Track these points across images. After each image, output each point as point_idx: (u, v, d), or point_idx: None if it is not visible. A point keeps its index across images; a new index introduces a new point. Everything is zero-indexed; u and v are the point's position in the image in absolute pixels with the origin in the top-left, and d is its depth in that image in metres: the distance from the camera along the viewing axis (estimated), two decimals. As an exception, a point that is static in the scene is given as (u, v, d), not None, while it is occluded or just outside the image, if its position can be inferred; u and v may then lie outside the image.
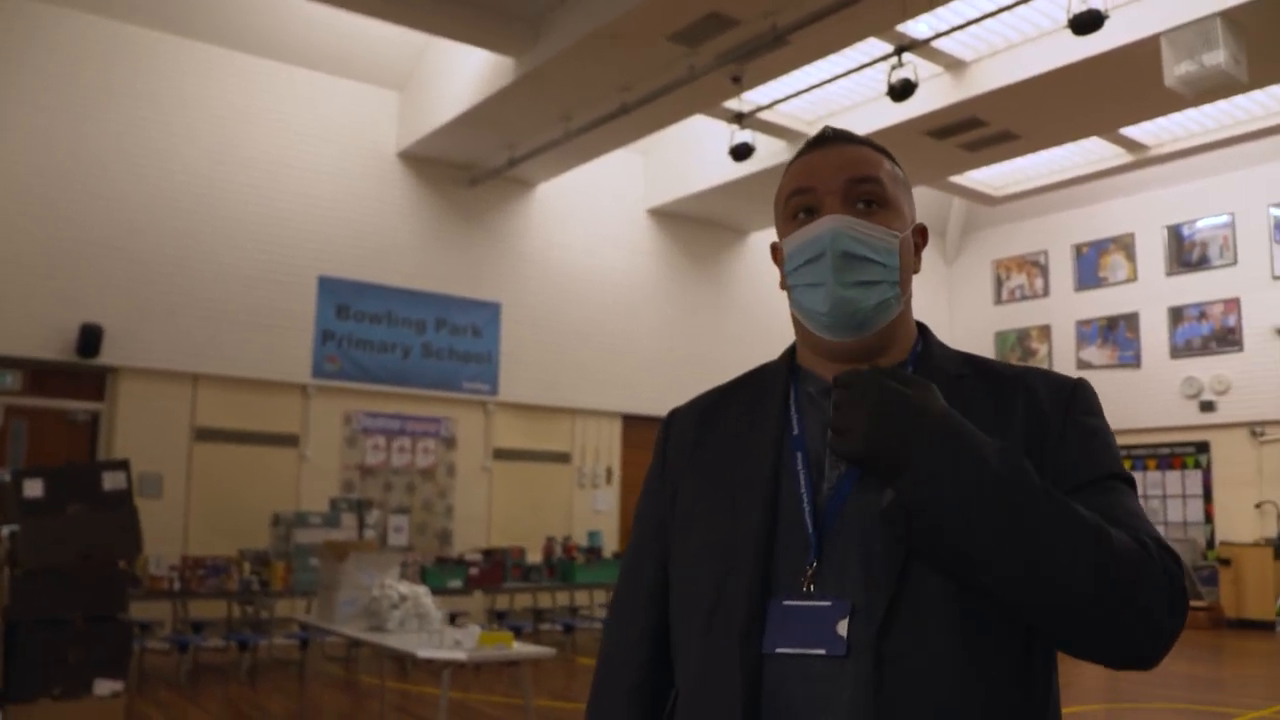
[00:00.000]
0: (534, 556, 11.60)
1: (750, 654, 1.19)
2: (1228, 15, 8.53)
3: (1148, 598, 1.10)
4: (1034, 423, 1.25)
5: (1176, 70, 8.75)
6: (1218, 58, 8.48)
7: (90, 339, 10.08)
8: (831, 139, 1.36)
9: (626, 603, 1.43)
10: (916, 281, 1.40)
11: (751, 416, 1.36)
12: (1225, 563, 13.54)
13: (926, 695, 1.14)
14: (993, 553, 1.09)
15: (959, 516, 1.09)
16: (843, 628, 1.16)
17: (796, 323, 1.36)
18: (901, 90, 8.93)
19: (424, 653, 5.50)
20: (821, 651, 1.16)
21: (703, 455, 1.37)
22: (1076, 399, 1.30)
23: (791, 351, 1.42)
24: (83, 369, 10.34)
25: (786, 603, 1.20)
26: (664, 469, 1.43)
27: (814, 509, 1.24)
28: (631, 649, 1.39)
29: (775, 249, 1.40)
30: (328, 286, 11.69)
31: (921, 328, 1.41)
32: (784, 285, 1.36)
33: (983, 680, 1.15)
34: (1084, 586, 1.08)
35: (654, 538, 1.41)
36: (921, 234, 1.41)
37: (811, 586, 1.20)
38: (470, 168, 12.61)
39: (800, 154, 1.38)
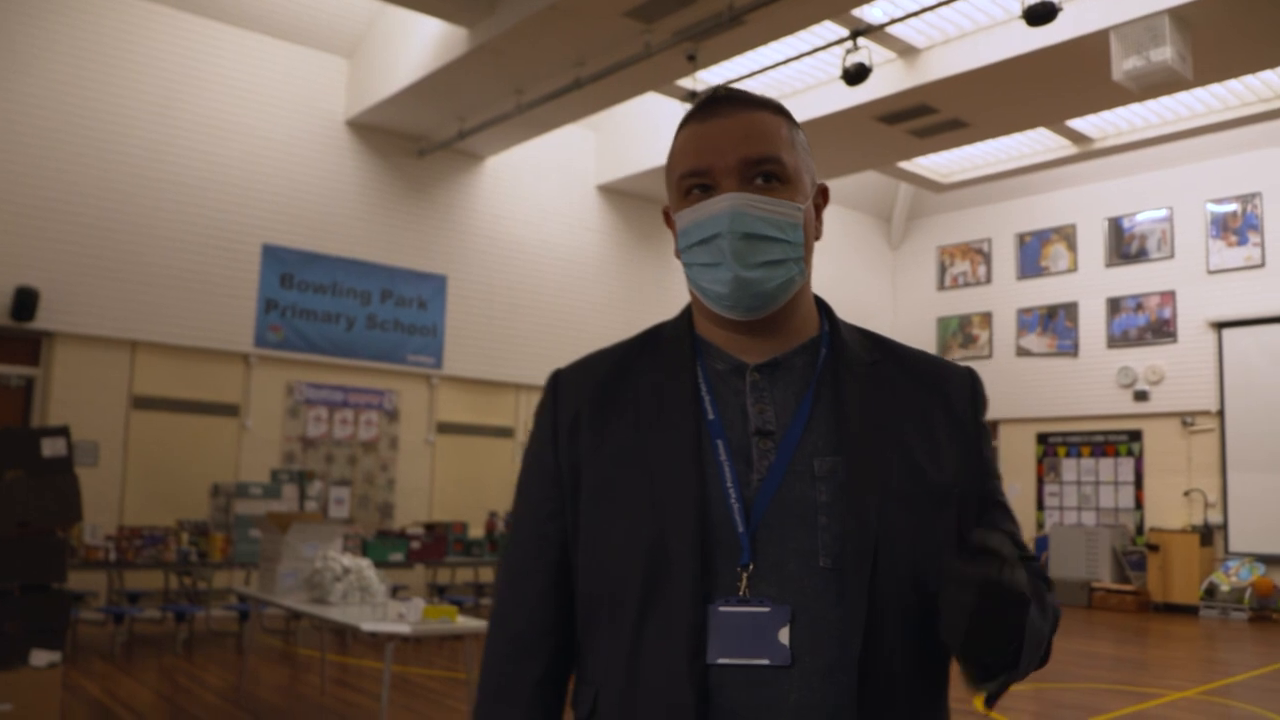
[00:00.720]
0: (476, 531, 11.58)
1: (697, 667, 1.13)
2: (1176, 13, 8.67)
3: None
4: (956, 430, 1.27)
5: (1124, 65, 8.89)
6: (1165, 54, 8.63)
7: (25, 302, 9.82)
8: (724, 101, 1.25)
9: (524, 589, 1.30)
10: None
11: (661, 396, 1.26)
12: (1154, 548, 13.87)
13: (898, 708, 1.15)
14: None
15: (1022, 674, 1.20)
16: (784, 635, 1.12)
17: (693, 292, 1.28)
18: (856, 74, 8.98)
19: (368, 626, 5.47)
20: (765, 661, 1.12)
21: (609, 436, 1.26)
22: (978, 398, 1.32)
23: (689, 314, 1.33)
24: (17, 332, 10.09)
25: (723, 609, 1.15)
26: (555, 440, 1.30)
27: (743, 505, 1.18)
28: (534, 643, 1.29)
29: (668, 216, 1.30)
30: (272, 255, 11.51)
31: (823, 305, 1.34)
32: (679, 255, 1.28)
33: (930, 694, 1.19)
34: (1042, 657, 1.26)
35: (550, 519, 1.29)
36: (823, 194, 1.32)
37: (747, 591, 1.15)
38: (420, 139, 12.47)
39: (691, 119, 1.27)
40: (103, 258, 10.43)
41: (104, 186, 10.48)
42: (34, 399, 10.30)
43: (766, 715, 1.12)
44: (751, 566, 1.15)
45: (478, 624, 5.70)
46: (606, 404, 1.28)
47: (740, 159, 1.21)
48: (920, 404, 1.26)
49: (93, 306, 10.35)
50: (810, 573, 1.15)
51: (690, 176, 1.24)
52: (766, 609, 1.13)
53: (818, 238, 1.29)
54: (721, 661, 1.13)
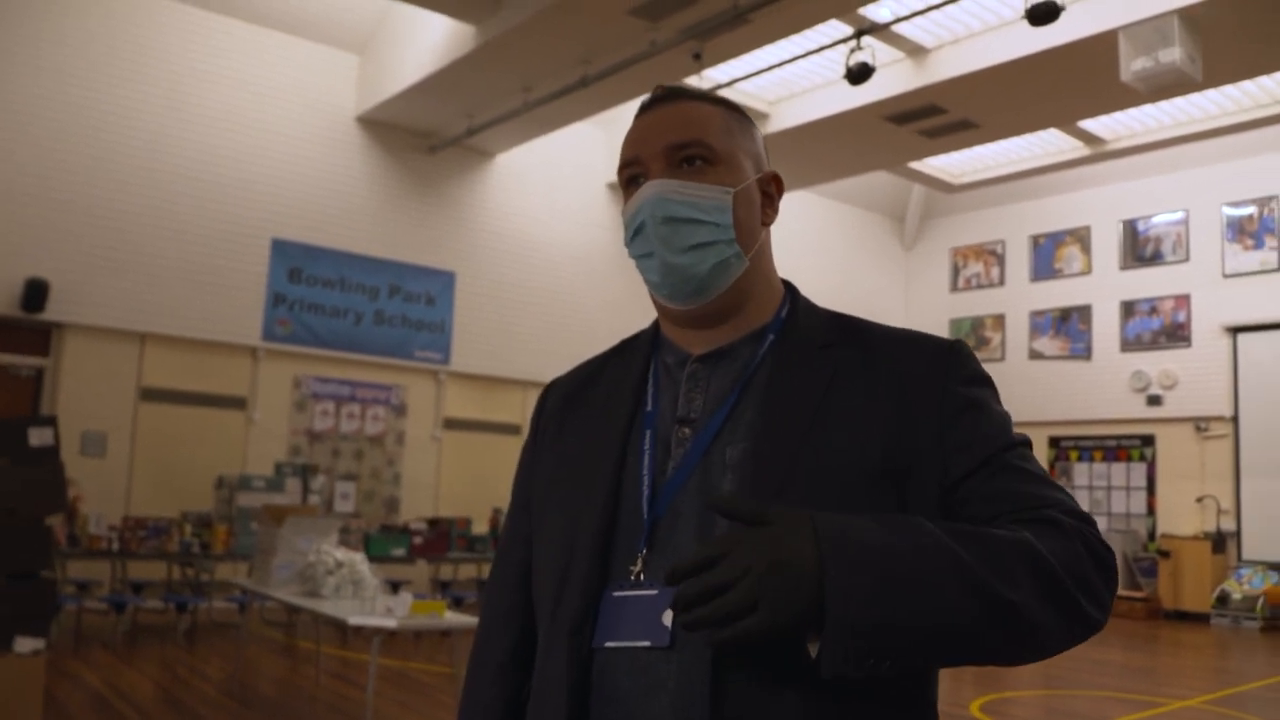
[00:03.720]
0: (480, 527, 11.59)
1: (580, 650, 1.14)
2: (1185, 13, 8.59)
3: (1091, 594, 1.07)
4: (916, 407, 1.16)
5: (1133, 66, 8.82)
6: (1173, 55, 8.55)
7: (35, 293, 9.92)
8: (662, 98, 1.28)
9: (499, 579, 1.38)
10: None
11: (610, 392, 1.30)
12: (1165, 555, 13.76)
13: (763, 693, 1.07)
14: (951, 646, 1.02)
15: (904, 642, 0.99)
16: (667, 618, 1.10)
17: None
18: (858, 73, 8.94)
19: (354, 620, 5.50)
20: (647, 644, 1.10)
21: (563, 433, 1.32)
22: (952, 368, 1.19)
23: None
24: (27, 323, 10.19)
25: (616, 594, 1.15)
26: (535, 444, 1.38)
27: (651, 493, 1.18)
28: (502, 626, 1.35)
29: None
30: (281, 249, 11.57)
31: (790, 287, 1.31)
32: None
33: (825, 702, 1.07)
34: (1039, 617, 1.03)
35: (521, 514, 1.36)
36: (774, 181, 1.29)
37: (641, 575, 1.14)
38: (430, 135, 12.51)
39: (635, 118, 1.30)
40: (113, 250, 10.51)
41: (114, 180, 10.56)
42: (43, 389, 10.40)
43: (647, 699, 1.09)
44: (646, 551, 1.15)
45: (465, 620, 5.71)
46: (573, 407, 1.34)
47: (665, 145, 1.22)
48: (869, 384, 1.18)
49: (102, 298, 10.44)
50: None
51: (625, 167, 1.27)
52: (654, 591, 1.12)
53: (766, 223, 1.27)
54: (608, 645, 1.13)
